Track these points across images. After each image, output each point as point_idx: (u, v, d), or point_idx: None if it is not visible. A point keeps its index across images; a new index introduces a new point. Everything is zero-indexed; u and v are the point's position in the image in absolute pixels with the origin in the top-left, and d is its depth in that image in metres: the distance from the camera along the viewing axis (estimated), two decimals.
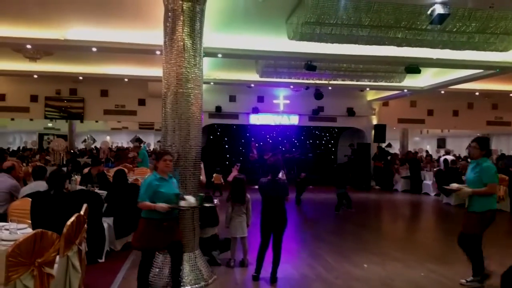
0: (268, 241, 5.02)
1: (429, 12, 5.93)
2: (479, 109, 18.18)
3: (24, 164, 12.19)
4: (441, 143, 32.39)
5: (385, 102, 17.48)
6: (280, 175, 5.09)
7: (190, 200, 4.31)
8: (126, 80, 12.89)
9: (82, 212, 3.92)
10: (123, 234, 6.14)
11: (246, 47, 8.72)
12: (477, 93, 14.80)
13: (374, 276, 5.37)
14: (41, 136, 26.74)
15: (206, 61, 10.96)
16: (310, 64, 9.25)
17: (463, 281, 5.02)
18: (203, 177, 5.24)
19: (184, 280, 4.63)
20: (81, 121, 23.06)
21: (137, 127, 25.70)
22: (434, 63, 9.80)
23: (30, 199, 4.33)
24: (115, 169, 10.87)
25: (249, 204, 5.63)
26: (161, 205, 4.07)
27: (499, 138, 26.74)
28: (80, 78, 13.10)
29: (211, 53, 8.82)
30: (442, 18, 5.91)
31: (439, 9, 5.79)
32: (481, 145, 4.91)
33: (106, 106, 15.55)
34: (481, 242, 4.93)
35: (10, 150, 20.34)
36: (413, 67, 9.65)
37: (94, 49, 8.66)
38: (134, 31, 8.01)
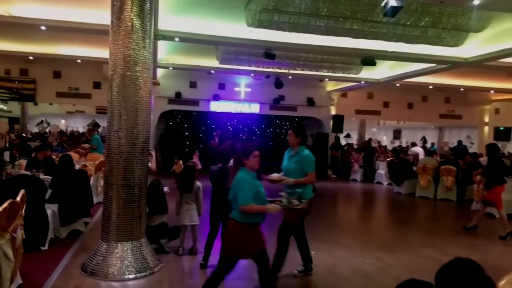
0: (217, 229, 4.99)
1: (382, 4, 6.00)
2: (432, 102, 18.87)
3: None
4: (396, 134, 33.53)
5: (343, 93, 17.78)
6: (231, 163, 5.04)
7: (291, 200, 4.12)
8: (79, 61, 12.37)
9: (18, 198, 3.72)
10: (68, 221, 5.93)
11: (204, 31, 8.56)
12: (430, 87, 15.32)
13: (320, 262, 5.47)
14: None
15: (164, 45, 10.70)
16: (269, 53, 9.20)
17: (296, 271, 4.99)
18: (152, 164, 5.11)
19: (128, 269, 4.53)
20: (35, 104, 22.17)
21: (94, 111, 24.83)
22: (389, 56, 10.02)
23: None
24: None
25: (199, 192, 5.56)
26: (274, 206, 3.80)
27: (451, 131, 27.98)
28: (31, 58, 12.45)
29: (167, 37, 8.59)
30: (395, 10, 6.00)
31: (392, 2, 5.86)
32: (297, 132, 4.71)
33: (59, 88, 14.88)
34: (303, 232, 4.98)
35: None
36: (368, 59, 9.82)
37: (43, 28, 8.23)
38: (86, 10, 7.68)
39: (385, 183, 14.61)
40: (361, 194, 13.28)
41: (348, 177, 16.15)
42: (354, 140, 25.55)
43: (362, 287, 4.91)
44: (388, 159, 14.85)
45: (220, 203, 4.89)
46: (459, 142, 16.74)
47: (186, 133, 17.73)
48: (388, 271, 5.35)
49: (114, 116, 4.70)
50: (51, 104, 24.21)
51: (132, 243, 4.65)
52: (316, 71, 12.12)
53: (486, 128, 20.11)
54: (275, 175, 4.69)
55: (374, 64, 9.91)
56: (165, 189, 5.86)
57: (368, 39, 8.24)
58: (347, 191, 13.68)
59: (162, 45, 10.42)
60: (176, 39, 8.73)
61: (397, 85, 14.75)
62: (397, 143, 29.44)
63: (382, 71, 13.21)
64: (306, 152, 4.65)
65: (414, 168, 12.67)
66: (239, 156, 3.90)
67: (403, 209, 10.76)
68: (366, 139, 21.22)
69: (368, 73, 13.15)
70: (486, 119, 20.05)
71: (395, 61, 11.05)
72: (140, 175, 4.74)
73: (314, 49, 9.38)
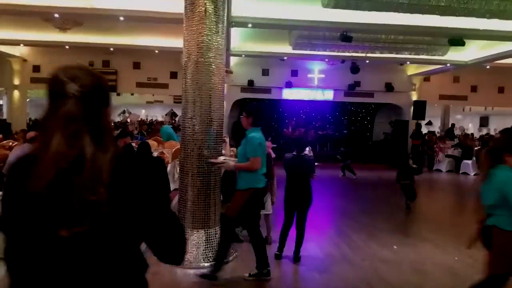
0: (292, 219, 4.80)
1: None
2: None
3: None
4: (483, 121, 30.83)
5: (426, 77, 16.56)
6: (307, 151, 4.80)
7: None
8: (156, 51, 12.78)
9: None
10: None
11: (277, 16, 8.32)
12: None
13: (403, 258, 5.07)
14: None
15: (237, 33, 10.65)
16: (345, 35, 8.73)
17: (246, 275, 4.29)
18: (226, 151, 5.03)
19: (203, 256, 4.51)
20: (117, 94, 23.60)
21: (172, 101, 25.84)
22: (480, 35, 9.06)
23: None
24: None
25: (273, 181, 5.39)
26: None
27: None
28: (111, 49, 13.10)
29: (240, 23, 8.49)
30: None
31: None
32: (247, 111, 4.26)
33: (138, 79, 15.59)
34: (254, 229, 4.25)
35: None
36: (457, 39, 8.94)
37: (121, 18, 8.54)
38: None
39: (472, 173, 13.42)
40: (445, 185, 12.32)
41: (431, 167, 15.09)
42: (436, 127, 23.86)
43: (449, 287, 4.44)
44: (476, 148, 13.63)
45: (295, 192, 4.68)
46: None
47: None
48: (479, 269, 4.79)
49: (189, 103, 4.67)
50: (132, 94, 25.65)
51: (207, 230, 4.61)
52: (396, 54, 11.36)
53: None
54: (220, 158, 4.51)
55: (463, 44, 9.00)
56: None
57: (457, 16, 7.44)
58: (430, 182, 12.76)
59: (235, 33, 10.37)
60: (249, 25, 8.60)
61: (487, 67, 13.37)
62: (484, 131, 27.13)
63: (471, 52, 12.02)
64: (252, 134, 4.16)
65: None
66: (497, 150, 3.07)
67: None
68: (450, 126, 19.78)
69: (455, 55, 12.05)
70: None
71: (487, 40, 9.93)
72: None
73: (396, 29, 8.73)
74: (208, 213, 4.63)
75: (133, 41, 12.10)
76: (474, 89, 16.80)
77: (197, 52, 4.59)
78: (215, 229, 4.70)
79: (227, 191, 5.28)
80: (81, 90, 1.21)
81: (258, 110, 4.31)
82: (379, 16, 8.00)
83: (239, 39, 11.43)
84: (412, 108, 16.34)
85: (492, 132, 26.47)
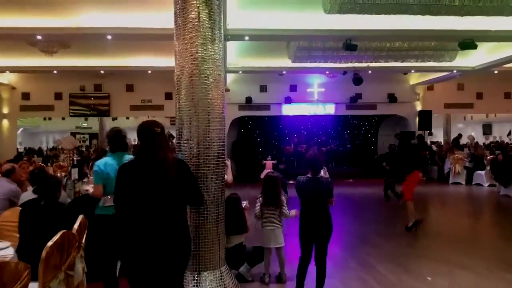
0: (310, 253, 4.08)
1: None
2: None
3: (49, 165, 11.82)
4: (487, 129, 30.29)
5: (429, 86, 16.03)
6: (322, 172, 4.12)
7: None
8: (149, 72, 12.19)
9: (75, 227, 3.12)
10: None
11: (276, 26, 7.75)
12: None
13: None
14: (73, 135, 26.81)
15: (233, 48, 10.10)
16: (349, 44, 8.14)
17: None
18: (229, 176, 4.34)
19: None
20: (113, 119, 22.96)
21: (168, 122, 25.16)
22: (491, 36, 8.47)
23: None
24: None
25: (285, 208, 4.69)
26: None
27: None
28: (102, 72, 12.53)
29: (237, 36, 7.91)
30: None
31: None
32: (107, 137, 3.99)
33: (132, 102, 14.98)
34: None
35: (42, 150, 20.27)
36: (468, 42, 8.35)
37: (109, 37, 7.97)
38: (150, 14, 7.23)
39: (486, 184, 12.71)
40: (462, 199, 11.56)
41: (442, 179, 14.39)
42: (439, 137, 23.22)
43: None
44: (489, 157, 12.96)
45: (312, 221, 3.98)
46: None
47: (258, 139, 17.07)
48: None
49: (184, 123, 3.99)
50: (127, 118, 25.04)
51: (210, 273, 3.88)
52: (401, 62, 10.77)
53: None
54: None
55: (475, 47, 8.41)
56: (244, 203, 5.10)
57: (471, 15, 6.87)
58: (444, 196, 12.03)
59: (230, 48, 9.82)
60: (246, 37, 8.01)
61: (495, 72, 12.81)
62: (490, 139, 26.54)
63: (477, 57, 11.49)
64: (100, 160, 3.94)
65: None
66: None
67: None
68: (453, 135, 19.14)
69: (460, 61, 11.51)
70: None
71: (498, 42, 9.37)
72: (216, 190, 3.98)
73: (403, 34, 8.17)
74: (211, 251, 3.91)
75: (124, 62, 11.53)
76: (479, 96, 16.24)
77: (191, 64, 3.94)
78: (220, 270, 3.97)
79: (229, 222, 4.62)
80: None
81: (114, 135, 3.97)
82: (384, 21, 7.44)
83: (235, 55, 10.87)
84: (417, 118, 15.75)
85: (497, 139, 25.93)
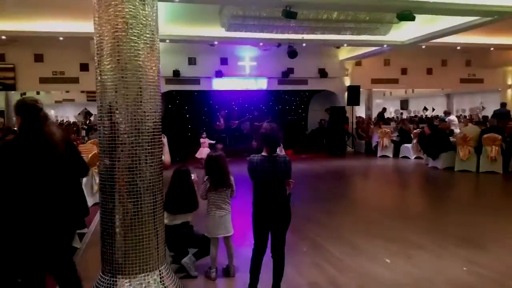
0: (266, 243, 3.52)
1: None
2: (453, 66, 17.36)
3: None
4: (404, 104, 32.09)
5: (358, 61, 16.16)
6: (278, 150, 3.54)
7: None
8: (61, 39, 10.64)
9: None
10: None
11: None
12: (458, 48, 13.71)
13: (404, 276, 4.03)
14: None
15: (161, 13, 9.02)
16: (289, 11, 7.58)
17: None
18: (166, 157, 3.61)
19: None
20: (21, 94, 20.39)
21: (85, 98, 23.04)
22: (428, 8, 8.42)
23: None
24: None
25: (233, 189, 4.07)
26: None
27: (461, 98, 26.50)
28: (3, 37, 10.72)
29: None
30: None
31: None
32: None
33: (42, 74, 13.19)
34: None
35: None
36: (406, 13, 8.22)
37: None
38: None
39: (413, 157, 13.18)
40: (393, 172, 11.82)
41: (369, 152, 14.73)
42: (362, 113, 23.96)
43: None
44: (415, 130, 13.40)
45: (269, 206, 3.41)
46: (503, 104, 14.92)
47: (187, 115, 16.14)
48: (497, 280, 3.92)
49: (107, 92, 3.15)
50: (38, 93, 22.48)
51: (147, 275, 3.17)
52: (337, 34, 10.49)
53: (510, 91, 18.59)
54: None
55: (413, 18, 8.29)
56: (193, 176, 4.38)
57: None
58: (377, 169, 12.23)
59: (158, 13, 8.77)
60: None
61: (423, 47, 13.12)
62: (410, 113, 28.00)
63: (408, 31, 11.59)
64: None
65: (452, 138, 11.26)
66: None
67: (455, 187, 9.38)
68: (374, 110, 19.79)
69: (390, 36, 11.55)
70: (510, 82, 18.52)
71: (434, 14, 9.36)
72: (152, 175, 3.22)
73: (342, 3, 7.75)
74: (148, 250, 3.18)
75: (30, 27, 9.89)
76: (404, 71, 16.78)
77: (116, 24, 3.09)
78: (160, 271, 3.26)
79: (177, 198, 3.97)
80: None
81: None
82: None
83: (162, 21, 9.77)
84: (346, 93, 15.86)
85: (412, 114, 27.48)
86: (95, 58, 3.24)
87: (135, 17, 3.15)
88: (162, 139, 3.52)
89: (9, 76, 13.22)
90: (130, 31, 3.13)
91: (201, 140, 11.77)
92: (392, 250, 4.74)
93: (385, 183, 10.05)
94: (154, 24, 3.36)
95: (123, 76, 3.13)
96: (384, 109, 18.90)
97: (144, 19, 3.22)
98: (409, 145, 13.41)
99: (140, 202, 3.14)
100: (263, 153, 3.44)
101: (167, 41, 11.12)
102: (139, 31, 3.18)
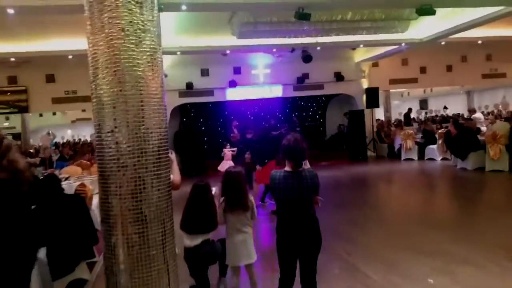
0: (294, 272, 3.08)
1: None
2: (473, 61, 16.68)
3: None
4: (423, 104, 31.25)
5: (374, 62, 15.66)
6: (304, 164, 3.10)
7: None
8: (70, 57, 10.48)
9: None
10: (64, 272, 4.06)
11: None
12: (479, 42, 13.05)
13: None
14: None
15: (170, 25, 8.78)
16: (302, 12, 7.18)
17: None
18: (176, 176, 3.22)
19: None
20: (40, 115, 20.52)
21: None
22: (450, 1, 7.94)
23: None
24: (68, 169, 8.74)
25: (254, 211, 3.65)
26: None
27: (481, 95, 25.63)
28: (12, 59, 10.62)
29: (172, 4, 6.61)
30: None
31: None
32: None
33: (54, 94, 13.09)
34: None
35: None
36: (426, 7, 7.73)
37: (10, 11, 6.36)
38: None
39: (439, 158, 12.53)
40: (421, 175, 11.20)
41: (392, 156, 14.12)
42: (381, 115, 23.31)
43: None
44: (440, 130, 12.78)
45: (296, 230, 2.96)
46: None
47: (203, 128, 15.82)
48: None
49: (104, 108, 2.79)
50: (54, 114, 22.58)
51: None
52: (353, 35, 10.03)
53: None
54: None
55: (433, 13, 7.79)
56: (213, 190, 3.98)
57: None
58: (403, 173, 11.62)
59: (166, 25, 8.50)
60: (183, 7, 6.73)
61: (442, 43, 12.53)
62: (429, 113, 27.18)
63: (426, 28, 11.07)
64: None
65: (481, 137, 10.62)
66: None
67: (487, 189, 8.78)
68: (392, 113, 19.05)
69: (407, 33, 11.04)
70: None
71: (456, 7, 8.85)
72: (160, 200, 2.83)
73: (359, 1, 7.30)
74: (157, 286, 2.77)
75: (39, 47, 9.76)
76: (423, 70, 16.18)
77: (111, 34, 2.74)
78: None
79: (197, 216, 3.57)
80: None
81: None
82: None
83: (171, 33, 9.54)
84: (364, 96, 15.33)
85: (433, 114, 26.64)
86: (90, 70, 2.90)
87: (131, 23, 2.79)
88: (170, 155, 3.14)
89: (22, 98, 13.18)
90: (126, 38, 2.77)
91: (225, 152, 11.23)
92: (433, 267, 4.23)
93: (414, 188, 9.45)
94: (155, 29, 2.98)
95: (121, 89, 2.76)
96: (410, 110, 18.17)
97: (142, 24, 2.85)
98: (434, 146, 12.78)
99: (147, 233, 2.74)
100: (286, 168, 3.01)
101: (178, 53, 10.85)
102: (137, 38, 2.81)
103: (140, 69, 2.82)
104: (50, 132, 22.42)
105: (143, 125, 2.81)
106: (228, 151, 10.78)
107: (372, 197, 8.93)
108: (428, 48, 13.46)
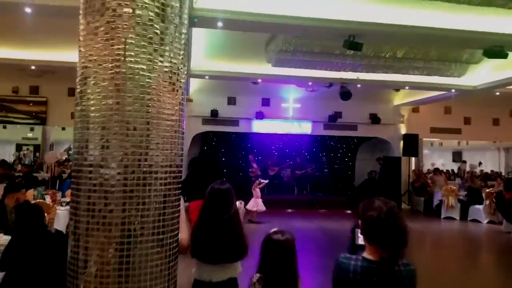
0: None
1: None
2: None
3: None
4: (456, 156, 29.69)
5: (415, 107, 14.53)
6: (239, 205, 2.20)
7: None
8: None
9: None
10: None
11: (257, 9, 5.75)
12: None
13: None
14: (19, 147, 23.63)
15: (200, 46, 8.04)
16: (353, 41, 6.25)
17: None
18: (183, 235, 2.19)
19: None
20: (62, 128, 20.07)
21: None
22: None
23: None
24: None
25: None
26: None
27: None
28: (33, 67, 10.03)
29: (207, 19, 5.78)
30: None
31: None
32: None
33: (73, 109, 12.44)
34: None
35: None
36: (497, 49, 6.71)
37: (28, 10, 5.67)
38: None
39: (485, 221, 11.12)
40: (466, 241, 9.75)
41: (429, 212, 12.73)
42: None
43: None
44: (488, 190, 11.44)
45: None
46: None
47: (223, 159, 14.86)
48: None
49: (90, 127, 1.81)
50: (63, 129, 22.03)
51: None
52: (402, 74, 9.05)
53: None
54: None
55: (505, 55, 6.78)
56: (238, 204, 2.87)
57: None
58: (443, 236, 10.25)
59: (196, 47, 7.76)
60: (219, 23, 5.89)
61: (496, 93, 11.40)
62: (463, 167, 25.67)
63: (479, 75, 10.02)
64: None
65: None
66: None
67: None
68: (423, 162, 17.69)
69: (458, 79, 10.02)
70: None
71: None
72: (159, 271, 1.79)
73: (421, 33, 6.33)
74: None
75: (63, 57, 9.11)
76: (467, 121, 14.92)
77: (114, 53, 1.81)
78: None
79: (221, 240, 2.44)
80: None
81: None
82: (394, 15, 5.75)
83: (201, 56, 8.78)
84: (401, 142, 14.17)
85: (467, 168, 25.08)
86: (77, 79, 1.96)
87: (145, 29, 1.86)
88: (181, 204, 2.13)
89: (41, 110, 12.63)
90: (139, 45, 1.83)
91: (256, 186, 10.17)
92: None
93: (462, 256, 8.11)
94: (177, 45, 2.04)
95: (119, 101, 1.79)
96: (464, 162, 16.67)
97: (160, 33, 1.91)
98: (480, 207, 11.40)
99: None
100: (367, 255, 1.89)
101: (207, 77, 10.05)
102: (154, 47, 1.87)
103: (149, 83, 1.85)
104: (71, 146, 21.86)
105: (145, 159, 1.81)
106: (259, 187, 9.76)
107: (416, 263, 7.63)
108: (473, 98, 12.36)
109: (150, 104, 1.86)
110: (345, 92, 10.37)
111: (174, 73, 2.04)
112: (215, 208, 2.49)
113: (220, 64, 9.43)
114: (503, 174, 19.68)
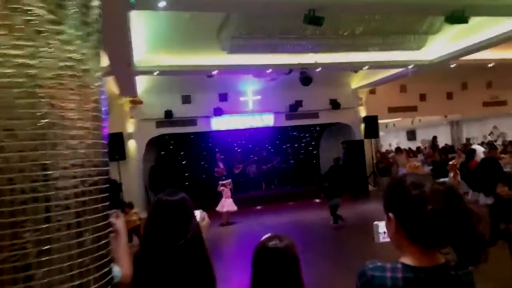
0: None
1: None
2: (473, 89, 15.64)
3: None
4: (410, 135, 30.34)
5: (371, 89, 14.41)
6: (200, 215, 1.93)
7: None
8: None
9: None
10: None
11: None
12: (490, 64, 11.89)
13: None
14: None
15: (142, 38, 7.26)
16: (313, 16, 5.74)
17: None
18: (124, 269, 1.56)
19: None
20: None
21: None
22: (481, 10, 6.68)
23: None
24: None
25: None
26: None
27: (470, 125, 24.83)
28: None
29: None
30: None
31: None
32: None
33: None
34: None
35: None
36: (458, 14, 6.45)
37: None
38: None
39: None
40: None
41: None
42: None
43: None
44: (451, 162, 11.41)
45: None
46: None
47: (184, 162, 14.06)
48: None
49: None
50: None
51: None
52: (363, 52, 8.71)
53: None
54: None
55: (466, 21, 6.53)
56: (197, 214, 2.08)
57: None
58: None
59: (137, 39, 6.98)
60: (162, 2, 5.15)
61: (451, 66, 11.36)
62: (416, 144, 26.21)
63: (435, 48, 9.91)
64: None
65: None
66: None
67: None
68: (381, 144, 17.72)
69: (415, 54, 9.87)
70: None
71: (490, 16, 7.57)
72: None
73: (382, 2, 5.92)
74: None
75: None
76: (423, 97, 15.01)
77: None
78: None
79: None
80: None
81: None
82: None
83: (146, 48, 8.00)
84: (362, 125, 14.00)
85: (420, 144, 25.57)
86: None
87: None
88: (114, 223, 1.52)
89: None
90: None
91: (220, 187, 9.60)
92: None
93: None
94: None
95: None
96: (435, 138, 16.54)
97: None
98: (445, 179, 11.36)
99: None
100: (409, 261, 1.30)
101: (155, 73, 9.24)
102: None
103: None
104: None
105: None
106: (227, 187, 9.21)
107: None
108: (429, 74, 12.33)
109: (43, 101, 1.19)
110: (305, 77, 9.93)
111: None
112: (165, 230, 1.78)
113: (168, 57, 8.69)
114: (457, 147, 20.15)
